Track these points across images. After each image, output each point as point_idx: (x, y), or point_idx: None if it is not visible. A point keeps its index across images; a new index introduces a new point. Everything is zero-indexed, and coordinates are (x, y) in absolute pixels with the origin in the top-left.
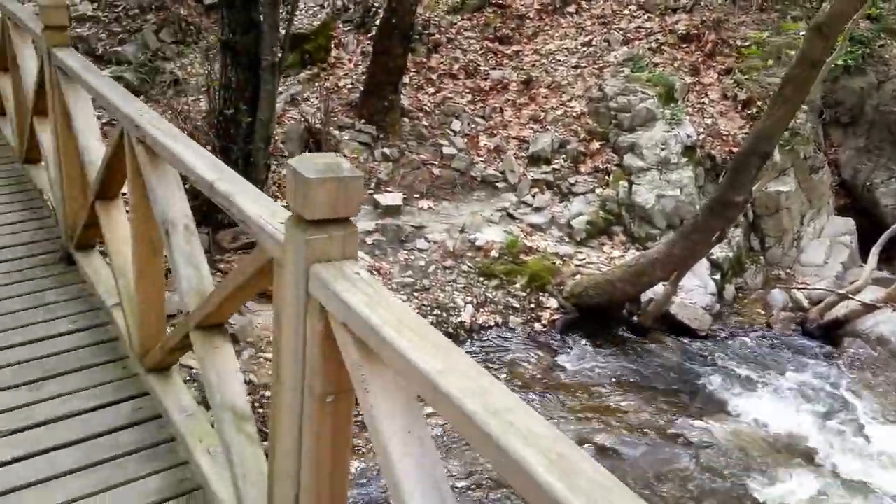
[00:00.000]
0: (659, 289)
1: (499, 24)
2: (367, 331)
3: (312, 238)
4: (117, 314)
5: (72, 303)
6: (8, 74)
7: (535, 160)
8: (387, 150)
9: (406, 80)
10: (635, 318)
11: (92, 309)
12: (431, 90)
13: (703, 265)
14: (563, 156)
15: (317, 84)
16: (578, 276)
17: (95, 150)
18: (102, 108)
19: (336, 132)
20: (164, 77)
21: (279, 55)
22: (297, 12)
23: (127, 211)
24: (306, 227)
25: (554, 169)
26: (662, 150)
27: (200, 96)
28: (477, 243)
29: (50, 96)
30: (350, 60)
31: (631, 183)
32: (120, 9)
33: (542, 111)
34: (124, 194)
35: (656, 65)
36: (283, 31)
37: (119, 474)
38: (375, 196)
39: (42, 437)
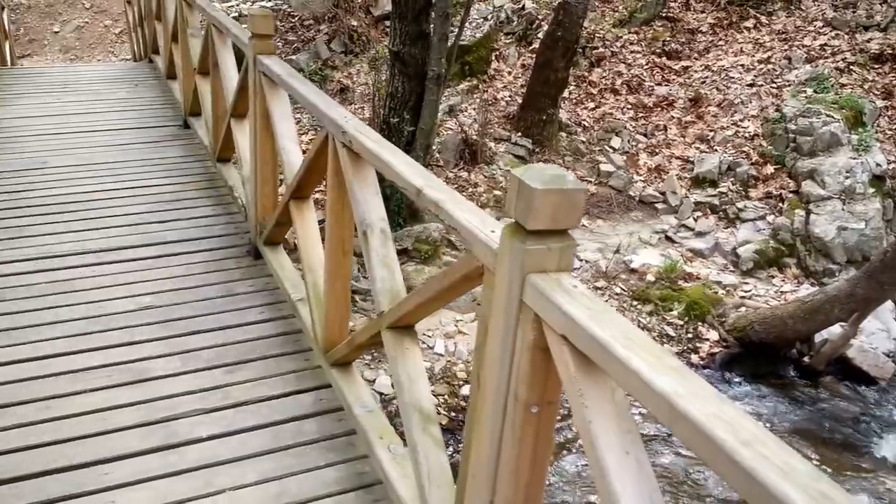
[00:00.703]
0: (835, 330)
1: (667, 39)
2: (592, 345)
3: (531, 248)
4: (302, 308)
5: (258, 295)
6: (207, 78)
7: (700, 182)
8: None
9: (566, 93)
10: (806, 360)
11: (277, 302)
12: (591, 105)
13: (886, 307)
14: (732, 179)
15: (475, 95)
16: (743, 309)
17: (293, 152)
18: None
19: (492, 144)
20: (332, 85)
21: (445, 67)
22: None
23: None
24: (525, 237)
25: (720, 192)
26: (847, 178)
27: (364, 104)
28: (632, 265)
29: (252, 100)
30: (510, 73)
31: (808, 212)
32: (296, 19)
33: (711, 130)
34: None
35: (843, 86)
36: (451, 43)
37: (302, 461)
38: None
39: (235, 419)
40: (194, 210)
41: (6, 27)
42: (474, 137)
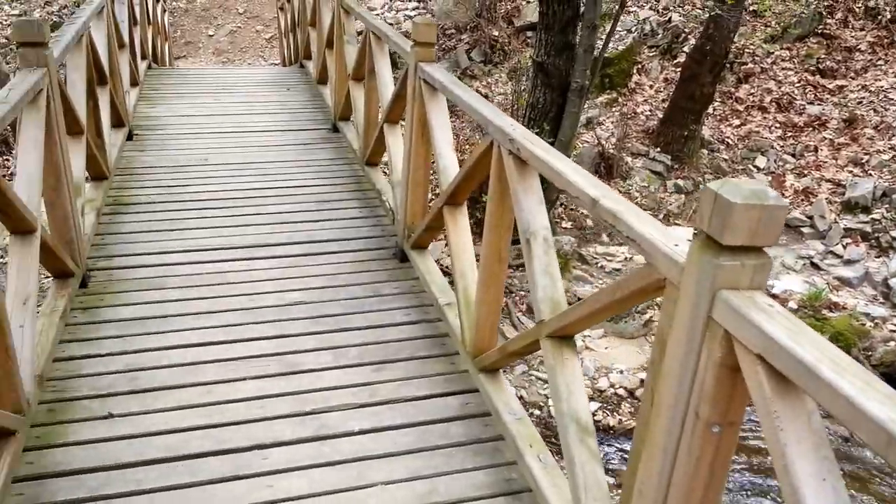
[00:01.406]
0: None
1: (822, 56)
2: (793, 365)
3: (724, 264)
4: (449, 312)
5: (405, 297)
6: (361, 84)
7: (851, 207)
8: (680, 182)
9: (710, 109)
10: None
11: (423, 305)
12: (736, 122)
13: None
14: (887, 205)
15: (614, 108)
16: (892, 343)
17: (449, 158)
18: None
19: (629, 159)
20: None
21: (589, 79)
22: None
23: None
24: (718, 252)
25: (873, 219)
26: None
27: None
28: (773, 291)
29: (409, 106)
30: (651, 86)
31: None
32: (438, 28)
33: (866, 154)
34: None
35: None
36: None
37: (450, 462)
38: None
39: (384, 416)
40: (342, 211)
41: (166, 30)
42: (611, 151)
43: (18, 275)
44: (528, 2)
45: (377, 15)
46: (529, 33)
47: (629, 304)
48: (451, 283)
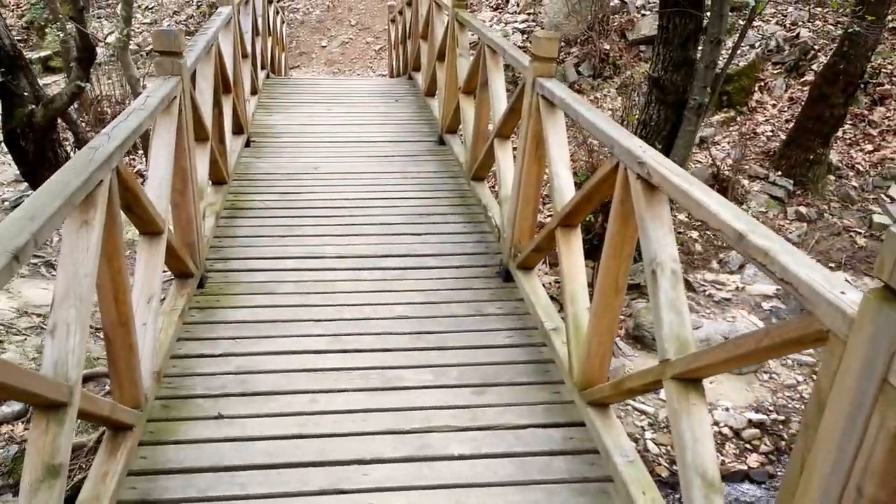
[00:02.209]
0: None
1: None
2: None
3: None
4: (556, 338)
5: (508, 318)
6: (471, 97)
7: None
8: (803, 209)
9: (839, 132)
10: None
11: (526, 328)
12: (869, 147)
13: None
14: None
15: (731, 128)
16: None
17: (565, 179)
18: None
19: (745, 181)
20: None
21: (708, 96)
22: (725, 51)
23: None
24: None
25: None
26: None
27: None
28: None
29: (524, 122)
30: (774, 105)
31: None
32: None
33: None
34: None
35: None
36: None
37: (551, 500)
38: None
39: (483, 442)
40: (447, 226)
41: (284, 40)
42: (727, 173)
43: (145, 274)
44: (644, 15)
45: (490, 26)
46: (643, 47)
47: (777, 353)
48: (559, 306)
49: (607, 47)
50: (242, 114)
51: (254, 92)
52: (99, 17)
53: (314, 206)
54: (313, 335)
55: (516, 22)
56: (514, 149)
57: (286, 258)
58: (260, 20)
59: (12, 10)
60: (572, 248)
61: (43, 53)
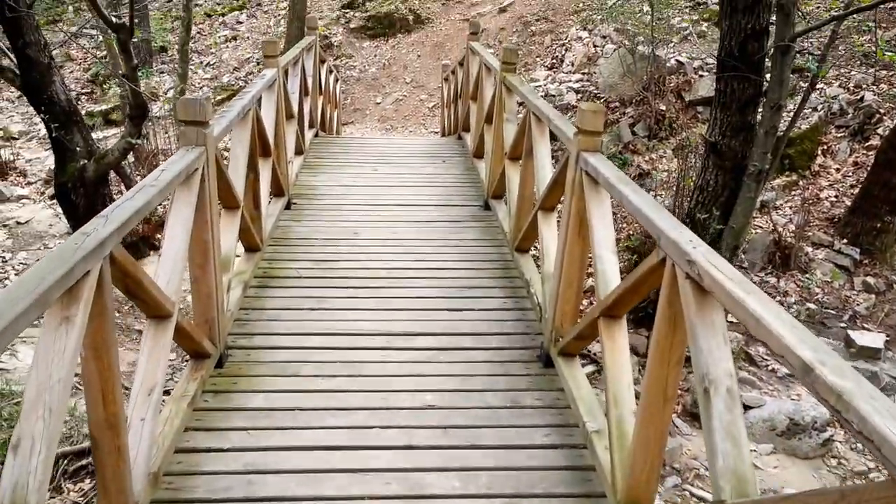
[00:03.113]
0: None
1: None
2: None
3: None
4: (598, 442)
5: (547, 412)
6: (517, 164)
7: None
8: (871, 280)
9: None
10: None
11: (567, 425)
12: None
13: None
14: None
15: (793, 192)
16: None
17: (610, 263)
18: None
19: (809, 249)
20: (631, 170)
21: (769, 162)
22: (786, 115)
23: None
24: None
25: None
26: None
27: (664, 192)
28: None
29: (567, 197)
30: (838, 170)
31: None
32: (601, 101)
33: None
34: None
35: None
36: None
37: None
38: (849, 332)
39: None
40: (486, 300)
41: (337, 98)
42: (789, 239)
43: (148, 362)
44: (701, 76)
45: (539, 87)
46: (700, 108)
47: None
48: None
49: (663, 108)
50: (283, 176)
51: (299, 152)
52: (161, 72)
53: (349, 276)
54: (335, 427)
55: (570, 81)
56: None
57: (313, 334)
58: (310, 80)
59: (79, 64)
60: (616, 342)
61: (104, 107)
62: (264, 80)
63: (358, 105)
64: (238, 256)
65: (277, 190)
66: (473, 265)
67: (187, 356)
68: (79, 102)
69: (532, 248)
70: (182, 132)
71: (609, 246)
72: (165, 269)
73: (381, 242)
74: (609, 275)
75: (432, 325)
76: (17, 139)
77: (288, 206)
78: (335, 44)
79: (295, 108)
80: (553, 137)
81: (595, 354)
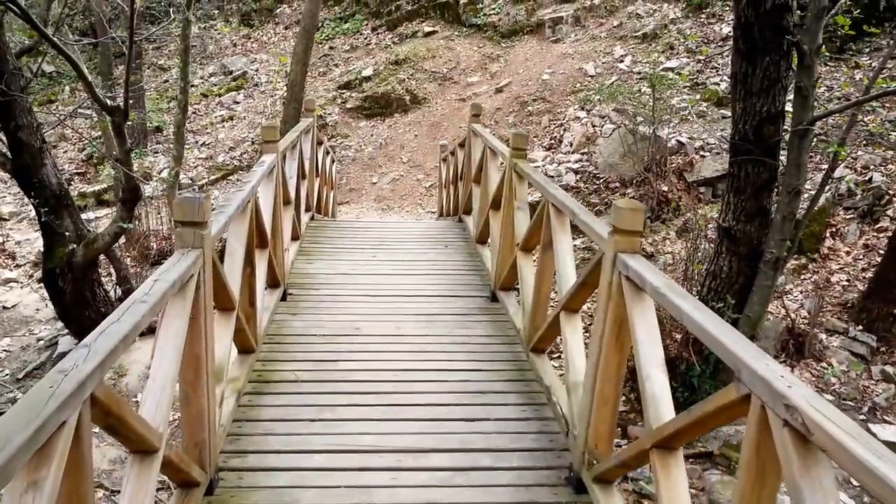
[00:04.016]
0: None
1: None
2: None
3: None
4: None
5: None
6: (530, 256)
7: None
8: (889, 369)
9: None
10: None
11: None
12: None
13: None
14: None
15: (804, 276)
16: None
17: (660, 385)
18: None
19: (823, 336)
20: None
21: (787, 249)
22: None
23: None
24: None
25: None
26: None
27: (669, 275)
28: None
29: (603, 302)
30: (848, 253)
31: None
32: (601, 181)
33: None
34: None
35: None
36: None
37: None
38: (870, 426)
39: None
40: (502, 408)
41: (333, 179)
42: (802, 326)
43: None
44: (703, 156)
45: (538, 167)
46: (703, 189)
47: None
48: None
49: (665, 188)
50: (280, 266)
51: (295, 237)
52: (156, 152)
53: (351, 379)
54: None
55: (570, 162)
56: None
57: (314, 452)
58: (307, 163)
59: (74, 143)
60: (672, 478)
61: (97, 187)
62: (264, 168)
63: (354, 185)
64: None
65: (273, 280)
66: (485, 366)
67: (172, 484)
68: (72, 182)
69: (549, 349)
70: (178, 234)
71: (658, 362)
72: (153, 395)
73: (383, 339)
74: (660, 399)
75: (446, 440)
76: (8, 220)
77: (284, 298)
78: (331, 123)
79: (292, 193)
80: (574, 228)
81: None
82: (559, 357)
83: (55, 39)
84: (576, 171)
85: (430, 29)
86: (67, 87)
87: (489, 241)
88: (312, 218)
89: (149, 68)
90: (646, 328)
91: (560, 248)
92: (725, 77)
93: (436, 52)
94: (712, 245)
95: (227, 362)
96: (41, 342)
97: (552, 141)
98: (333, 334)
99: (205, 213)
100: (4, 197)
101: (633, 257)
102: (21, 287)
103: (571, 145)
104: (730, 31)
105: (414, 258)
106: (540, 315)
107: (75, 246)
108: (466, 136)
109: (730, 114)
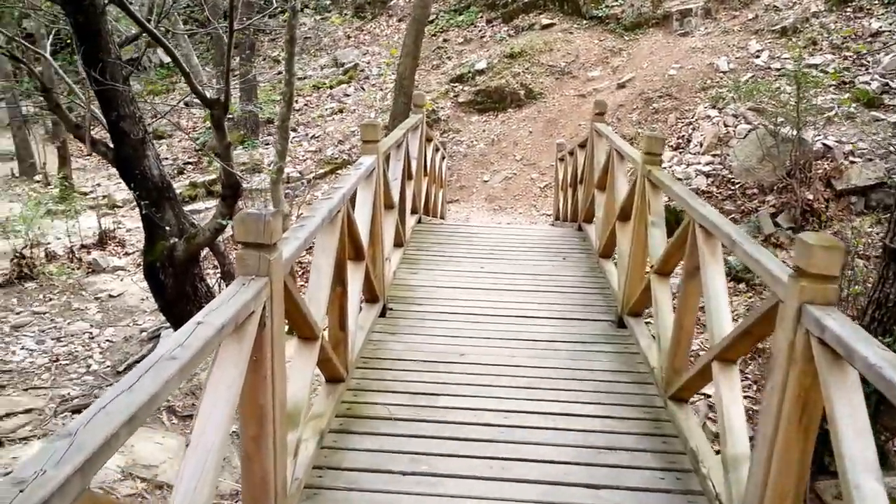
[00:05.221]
0: None
1: None
2: None
3: None
4: None
5: None
6: (667, 280)
7: None
8: None
9: None
10: None
11: None
12: None
13: None
14: None
15: None
16: None
17: (871, 495)
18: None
19: None
20: None
21: None
22: None
23: None
24: None
25: None
26: None
27: None
28: None
29: (782, 365)
30: None
31: None
32: (737, 187)
33: None
34: None
35: None
36: None
37: None
38: None
39: None
40: (633, 474)
41: (443, 177)
42: None
43: None
44: (853, 162)
45: (664, 168)
46: (854, 199)
47: None
48: None
49: (810, 197)
50: (378, 278)
51: (398, 244)
52: (266, 144)
53: (453, 421)
54: None
55: (699, 164)
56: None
57: None
58: (414, 162)
59: (188, 133)
60: None
61: (208, 177)
62: (359, 172)
63: (464, 182)
64: (314, 391)
65: (371, 295)
66: (611, 411)
67: None
68: (184, 172)
69: (690, 396)
70: (239, 257)
71: (869, 466)
72: (192, 471)
73: (491, 369)
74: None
75: None
76: (121, 207)
77: (383, 314)
78: (442, 118)
79: (396, 196)
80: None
81: None
82: (701, 400)
83: (154, 30)
84: (706, 175)
85: (548, 21)
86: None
87: (615, 255)
88: (419, 220)
89: (263, 60)
90: (849, 415)
91: (711, 280)
92: (877, 76)
93: (553, 45)
94: (866, 263)
95: (307, 403)
96: (144, 334)
97: (679, 141)
98: (435, 360)
99: (272, 233)
100: (119, 184)
101: (829, 312)
102: (129, 275)
103: (701, 146)
104: (880, 27)
105: (528, 271)
106: (681, 355)
107: (176, 240)
108: (588, 136)
109: (883, 117)
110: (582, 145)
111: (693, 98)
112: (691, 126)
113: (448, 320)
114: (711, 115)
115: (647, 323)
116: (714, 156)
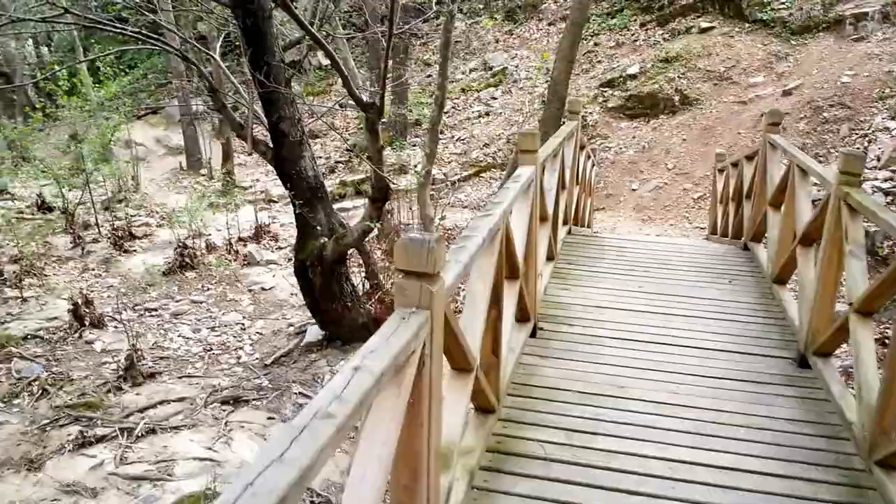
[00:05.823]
0: None
1: None
2: None
3: None
4: None
5: None
6: (869, 322)
7: None
8: None
9: None
10: None
11: None
12: None
13: None
14: None
15: None
16: None
17: None
18: None
19: None
20: None
21: None
22: None
23: None
24: None
25: None
26: None
27: None
28: None
29: None
30: None
31: None
32: None
33: None
34: None
35: None
36: None
37: None
38: None
39: None
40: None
41: (592, 185)
42: None
43: None
44: None
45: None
46: None
47: None
48: None
49: None
50: (531, 297)
51: (550, 258)
52: (414, 145)
53: (612, 468)
54: None
55: (877, 180)
56: None
57: None
58: (567, 172)
59: (341, 133)
60: None
61: (358, 177)
62: (519, 185)
63: (611, 190)
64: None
65: (522, 314)
66: (795, 470)
67: None
68: (335, 171)
69: None
70: (399, 287)
71: None
72: None
73: (654, 408)
74: None
75: None
76: (276, 202)
77: (533, 333)
78: (591, 123)
79: (550, 208)
80: None
81: None
82: None
83: (316, 34)
84: (885, 192)
85: (707, 24)
86: (340, 80)
87: (796, 283)
88: (569, 231)
89: (414, 63)
90: None
91: None
92: None
93: (712, 50)
94: None
95: (461, 437)
96: (291, 328)
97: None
98: (592, 393)
99: (436, 262)
100: (275, 179)
101: None
102: (281, 269)
103: (879, 160)
104: None
105: (690, 294)
106: (893, 413)
107: (325, 240)
108: (759, 148)
109: None
110: (749, 157)
111: (869, 108)
112: (867, 138)
113: (604, 345)
114: (891, 126)
115: (839, 365)
116: (894, 171)
